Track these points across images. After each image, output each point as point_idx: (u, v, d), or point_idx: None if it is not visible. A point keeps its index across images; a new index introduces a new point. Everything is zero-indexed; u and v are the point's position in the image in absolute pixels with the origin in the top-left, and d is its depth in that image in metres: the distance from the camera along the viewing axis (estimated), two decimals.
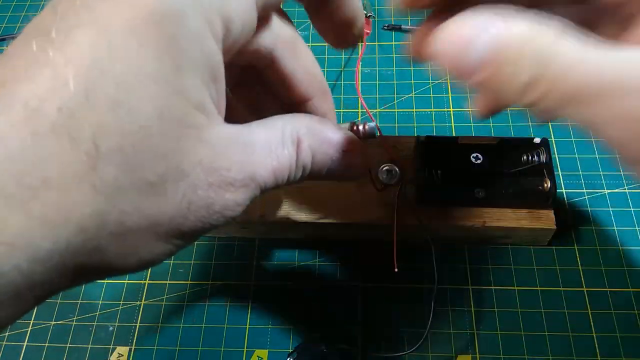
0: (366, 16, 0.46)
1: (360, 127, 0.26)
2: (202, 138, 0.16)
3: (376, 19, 0.47)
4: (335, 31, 0.25)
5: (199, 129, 0.16)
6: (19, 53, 0.14)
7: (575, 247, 0.35)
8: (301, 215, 0.33)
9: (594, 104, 0.15)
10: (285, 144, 0.19)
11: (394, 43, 0.45)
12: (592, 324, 0.32)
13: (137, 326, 0.34)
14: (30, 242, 0.13)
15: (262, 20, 0.21)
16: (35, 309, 0.35)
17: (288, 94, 0.24)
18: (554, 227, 0.32)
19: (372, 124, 0.26)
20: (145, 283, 0.35)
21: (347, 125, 0.26)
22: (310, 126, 0.20)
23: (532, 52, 0.15)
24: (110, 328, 0.34)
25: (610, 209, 0.36)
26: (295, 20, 0.47)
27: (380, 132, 0.30)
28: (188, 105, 0.16)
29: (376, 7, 0.48)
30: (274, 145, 0.19)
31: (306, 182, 0.36)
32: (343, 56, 0.45)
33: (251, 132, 0.18)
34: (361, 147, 0.23)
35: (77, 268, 0.15)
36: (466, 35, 0.16)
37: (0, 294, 0.13)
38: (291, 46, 0.24)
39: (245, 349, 0.33)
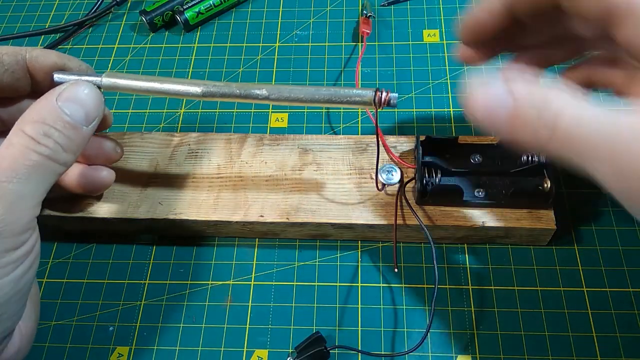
0: (366, 16, 0.46)
1: (384, 95, 0.27)
2: None
3: (376, 19, 0.47)
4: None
5: None
6: None
7: (575, 247, 0.35)
8: (301, 215, 0.33)
9: (594, 159, 0.19)
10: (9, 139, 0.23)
11: (394, 43, 0.45)
12: (592, 324, 0.32)
13: (137, 326, 0.34)
14: None
15: None
16: None
17: None
18: (554, 227, 0.32)
19: (395, 94, 0.27)
20: (145, 283, 0.35)
21: (370, 90, 0.27)
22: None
23: (546, 114, 0.20)
24: (110, 328, 0.34)
25: (610, 208, 0.36)
26: (295, 20, 0.48)
27: (380, 131, 0.31)
28: None
29: (376, 7, 0.48)
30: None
31: (305, 181, 0.36)
32: (343, 56, 0.45)
33: None
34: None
35: None
36: (491, 103, 0.21)
37: None
38: None
39: (245, 349, 0.33)
